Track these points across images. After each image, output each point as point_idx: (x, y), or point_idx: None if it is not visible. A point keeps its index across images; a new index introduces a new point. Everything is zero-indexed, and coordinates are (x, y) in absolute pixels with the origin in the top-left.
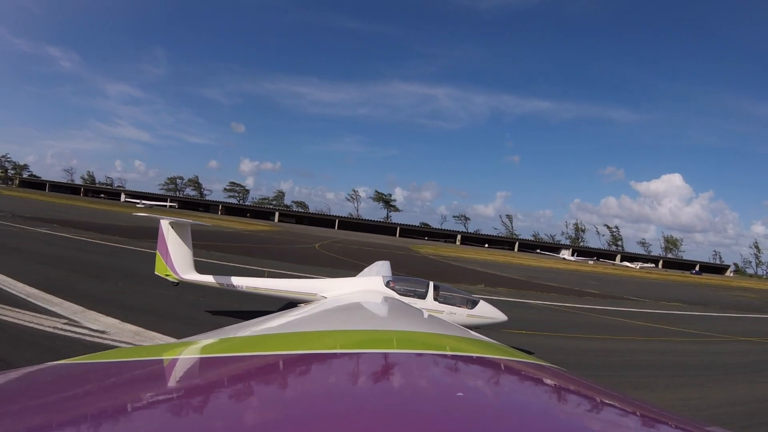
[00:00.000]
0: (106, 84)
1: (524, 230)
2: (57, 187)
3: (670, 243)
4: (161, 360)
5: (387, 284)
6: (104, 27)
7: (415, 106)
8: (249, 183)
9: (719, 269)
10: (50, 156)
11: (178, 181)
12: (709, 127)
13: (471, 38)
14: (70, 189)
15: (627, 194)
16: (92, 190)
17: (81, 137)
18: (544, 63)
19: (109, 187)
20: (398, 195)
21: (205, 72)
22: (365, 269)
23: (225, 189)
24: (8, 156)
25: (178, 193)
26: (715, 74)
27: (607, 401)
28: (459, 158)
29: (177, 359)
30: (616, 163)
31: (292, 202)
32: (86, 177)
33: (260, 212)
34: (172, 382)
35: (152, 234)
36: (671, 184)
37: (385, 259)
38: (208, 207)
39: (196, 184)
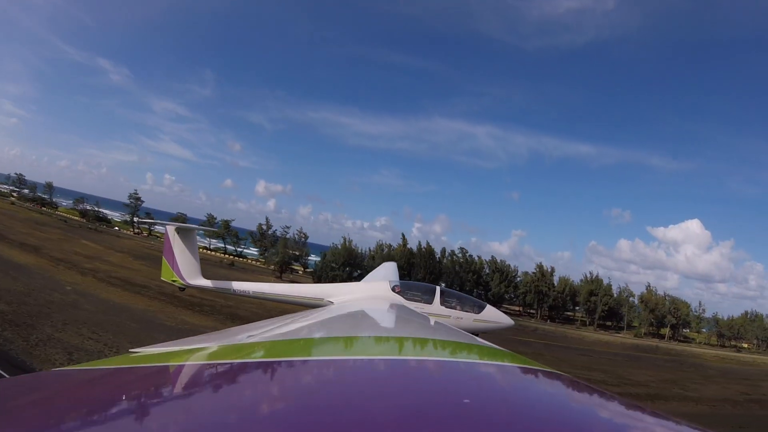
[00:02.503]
0: (152, 100)
1: None
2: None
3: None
4: (166, 366)
5: (393, 289)
6: (156, 44)
7: (454, 143)
8: (270, 206)
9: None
10: (82, 163)
11: None
12: (735, 174)
13: (516, 78)
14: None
15: (642, 239)
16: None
17: (124, 149)
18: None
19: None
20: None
21: (251, 97)
22: (372, 272)
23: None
24: None
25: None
26: (740, 121)
27: (615, 408)
28: (488, 195)
29: (183, 366)
30: (631, 206)
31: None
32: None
33: None
34: (177, 389)
35: None
36: (689, 231)
37: None
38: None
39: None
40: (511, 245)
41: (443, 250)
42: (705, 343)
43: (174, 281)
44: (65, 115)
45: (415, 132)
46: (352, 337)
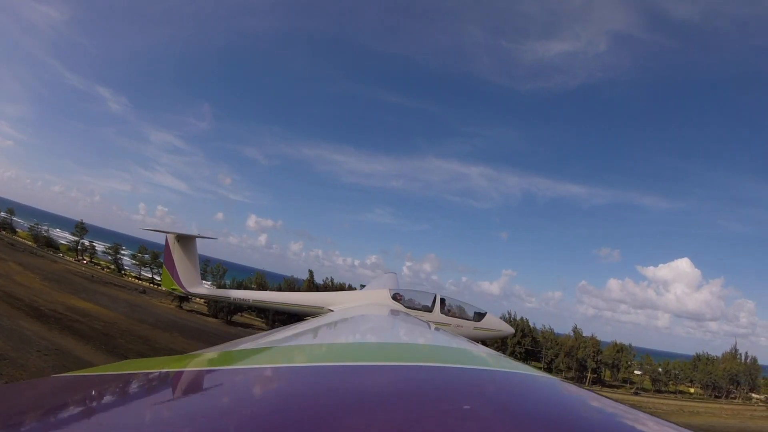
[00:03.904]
0: (150, 131)
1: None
2: None
3: None
4: (167, 373)
5: (393, 297)
6: (155, 76)
7: (447, 183)
8: (262, 241)
9: None
10: (76, 190)
11: None
12: (724, 213)
13: (509, 119)
14: None
15: (632, 278)
16: None
17: (118, 177)
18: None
19: None
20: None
21: (247, 132)
22: (372, 281)
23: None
24: None
25: None
26: (728, 160)
27: (615, 413)
28: (480, 234)
29: (183, 372)
30: (620, 245)
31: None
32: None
33: None
34: (177, 395)
35: None
36: (679, 269)
37: None
38: None
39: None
40: (501, 285)
41: (348, 286)
42: (639, 387)
43: (174, 289)
44: (62, 141)
45: (409, 171)
46: (351, 344)
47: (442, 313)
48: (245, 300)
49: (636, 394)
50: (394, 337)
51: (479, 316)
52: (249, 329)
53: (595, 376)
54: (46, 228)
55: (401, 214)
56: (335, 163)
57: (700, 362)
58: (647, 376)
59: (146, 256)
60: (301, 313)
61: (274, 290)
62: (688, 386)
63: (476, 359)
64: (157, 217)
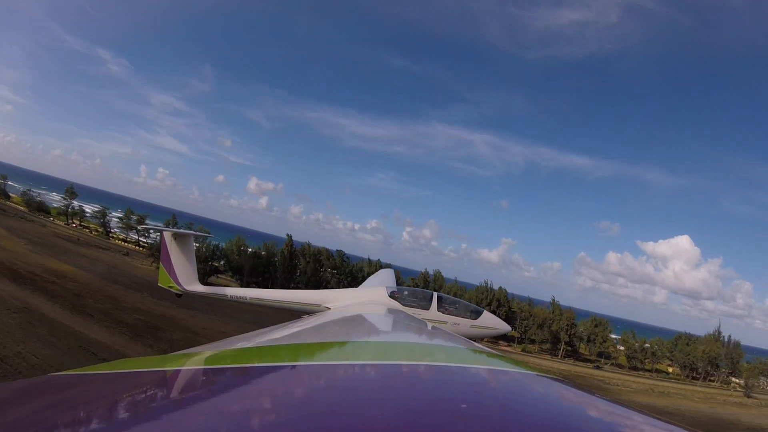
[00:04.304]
0: (151, 93)
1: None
2: None
3: None
4: (164, 372)
5: (391, 295)
6: (156, 37)
7: (451, 149)
8: (263, 203)
9: None
10: (76, 153)
11: None
12: (728, 192)
13: (516, 87)
14: None
15: (631, 252)
16: None
17: (119, 140)
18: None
19: None
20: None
21: (250, 94)
22: (369, 278)
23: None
24: None
25: None
26: (738, 140)
27: (612, 412)
28: (482, 202)
29: (180, 370)
30: (621, 219)
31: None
32: None
33: None
34: (174, 394)
35: None
36: (678, 246)
37: None
38: None
39: None
40: (500, 253)
41: (325, 250)
42: (613, 364)
43: (171, 287)
44: (62, 104)
45: (413, 136)
46: (349, 343)
47: (439, 311)
48: (242, 298)
49: (597, 368)
50: (391, 336)
51: (476, 314)
52: None
53: (570, 348)
54: (38, 193)
55: (403, 180)
56: (338, 127)
57: (680, 341)
58: (623, 352)
59: (132, 218)
60: (298, 311)
61: (254, 252)
62: (668, 365)
63: (473, 358)
64: (158, 180)
